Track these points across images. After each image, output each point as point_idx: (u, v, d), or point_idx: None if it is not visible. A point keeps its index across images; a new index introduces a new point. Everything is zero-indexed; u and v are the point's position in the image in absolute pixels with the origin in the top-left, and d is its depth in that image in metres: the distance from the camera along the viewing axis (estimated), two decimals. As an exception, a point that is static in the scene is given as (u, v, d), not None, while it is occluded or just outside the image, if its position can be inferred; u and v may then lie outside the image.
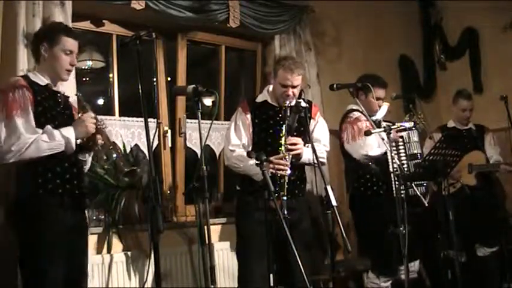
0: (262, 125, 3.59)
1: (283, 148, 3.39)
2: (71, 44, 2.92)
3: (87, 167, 3.14)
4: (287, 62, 3.52)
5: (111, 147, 2.95)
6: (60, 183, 2.82)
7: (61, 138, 2.78)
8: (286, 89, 3.49)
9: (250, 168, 3.40)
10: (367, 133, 3.58)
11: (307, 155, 3.47)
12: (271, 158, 3.27)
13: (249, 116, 3.60)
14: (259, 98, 3.70)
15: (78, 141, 2.90)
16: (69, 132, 2.81)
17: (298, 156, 3.45)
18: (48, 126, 2.79)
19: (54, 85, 2.95)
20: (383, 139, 3.65)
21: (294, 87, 3.50)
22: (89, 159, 3.10)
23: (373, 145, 3.78)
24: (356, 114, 3.97)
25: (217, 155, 4.65)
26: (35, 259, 2.74)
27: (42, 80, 2.90)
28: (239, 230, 3.62)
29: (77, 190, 2.89)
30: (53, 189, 2.79)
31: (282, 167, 3.33)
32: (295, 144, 3.42)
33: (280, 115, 3.51)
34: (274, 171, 3.30)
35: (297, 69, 3.50)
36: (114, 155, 3.91)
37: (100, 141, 2.92)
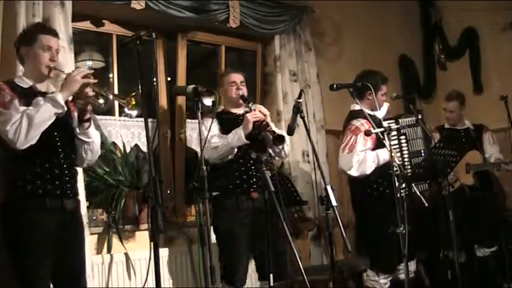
0: None
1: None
2: (49, 40, 2.84)
3: (94, 147, 2.94)
4: None
5: (104, 92, 2.76)
6: (41, 185, 2.72)
7: (45, 101, 2.69)
8: None
9: (231, 138, 3.52)
10: (367, 133, 3.57)
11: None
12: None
13: None
14: None
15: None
16: (55, 94, 2.74)
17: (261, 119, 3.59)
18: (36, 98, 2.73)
19: (39, 85, 2.86)
20: (384, 139, 3.65)
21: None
22: (92, 135, 2.92)
23: (355, 165, 3.78)
24: (359, 121, 3.86)
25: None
26: (16, 262, 2.70)
27: (26, 83, 2.82)
28: (220, 231, 3.65)
29: (59, 191, 2.77)
30: (33, 191, 2.71)
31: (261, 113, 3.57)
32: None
33: None
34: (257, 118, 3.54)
35: None
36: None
37: (91, 92, 2.79)
